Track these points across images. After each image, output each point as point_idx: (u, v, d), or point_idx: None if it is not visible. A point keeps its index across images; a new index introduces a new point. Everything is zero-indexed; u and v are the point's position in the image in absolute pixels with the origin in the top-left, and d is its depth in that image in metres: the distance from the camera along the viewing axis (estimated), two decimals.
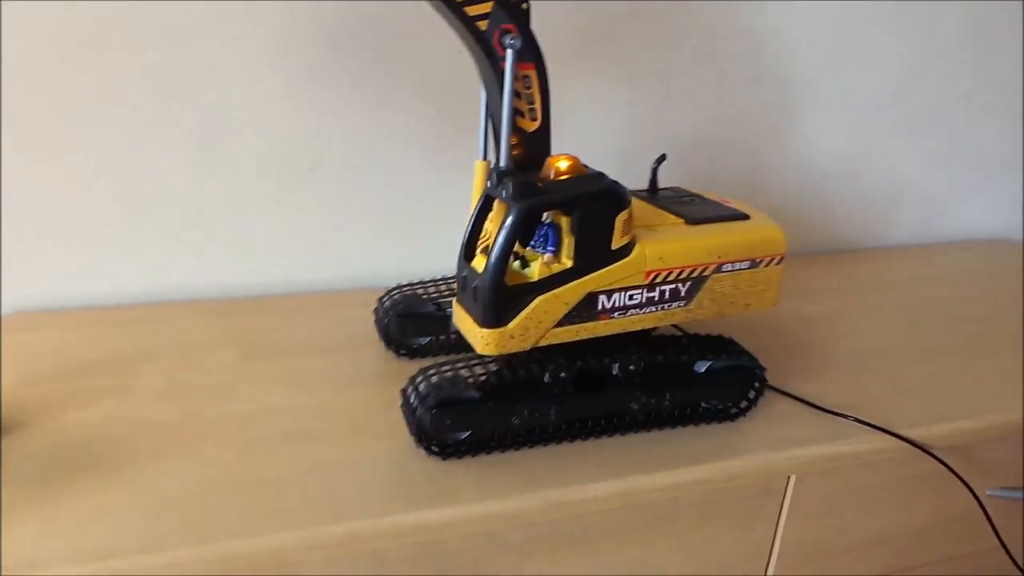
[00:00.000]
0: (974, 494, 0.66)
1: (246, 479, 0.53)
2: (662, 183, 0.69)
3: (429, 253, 0.90)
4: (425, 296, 0.70)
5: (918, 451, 0.63)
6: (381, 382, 0.66)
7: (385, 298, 0.71)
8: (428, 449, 0.56)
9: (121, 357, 0.68)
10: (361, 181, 0.85)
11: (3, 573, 0.44)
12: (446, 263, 0.73)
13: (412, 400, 0.56)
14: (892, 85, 1.04)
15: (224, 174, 0.81)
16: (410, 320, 0.70)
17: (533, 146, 0.59)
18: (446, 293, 0.71)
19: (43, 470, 0.53)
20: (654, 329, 0.62)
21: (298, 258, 0.86)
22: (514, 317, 0.54)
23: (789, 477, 0.64)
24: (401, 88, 0.83)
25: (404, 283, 0.72)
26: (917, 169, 1.10)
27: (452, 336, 0.71)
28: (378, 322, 0.71)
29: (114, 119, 0.76)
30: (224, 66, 0.77)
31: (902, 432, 0.63)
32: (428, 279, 0.73)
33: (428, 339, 0.71)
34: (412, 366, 0.65)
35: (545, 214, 0.55)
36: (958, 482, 0.65)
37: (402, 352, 0.71)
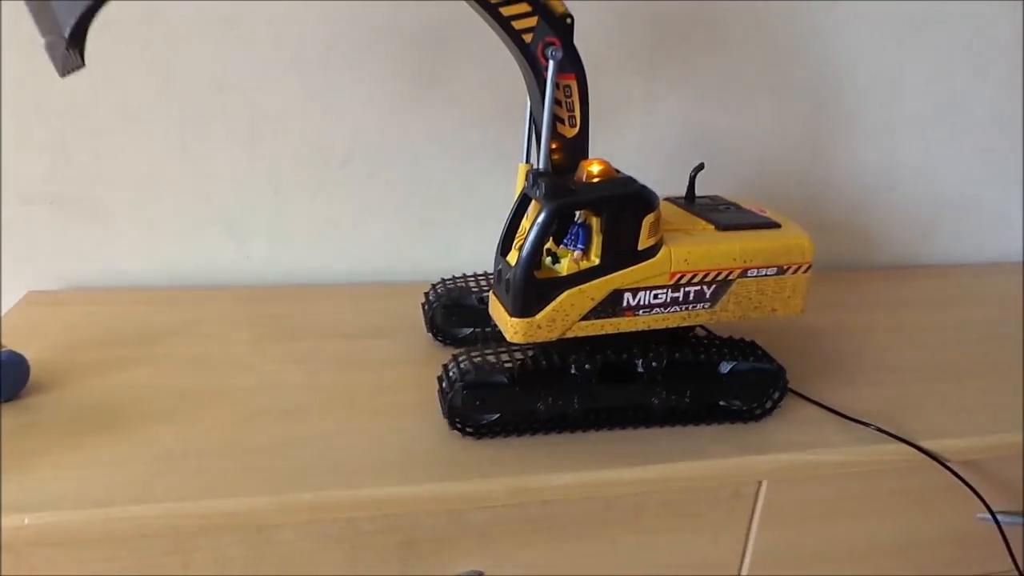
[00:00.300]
0: (990, 510, 0.66)
1: (236, 446, 0.59)
2: (710, 191, 0.72)
3: (463, 248, 0.96)
4: (475, 288, 0.75)
5: (930, 464, 0.64)
6: (417, 366, 0.72)
7: (434, 289, 0.76)
8: (458, 428, 0.61)
9: (150, 333, 0.76)
10: (395, 179, 0.92)
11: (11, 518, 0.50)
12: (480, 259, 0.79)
13: (445, 382, 0.61)
14: (940, 100, 1.04)
15: (265, 166, 0.88)
16: (455, 311, 0.75)
17: (572, 151, 0.63)
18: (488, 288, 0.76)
19: (64, 425, 0.60)
20: (689, 329, 0.66)
21: (329, 250, 0.93)
22: (542, 309, 0.58)
23: (761, 482, 0.65)
24: (441, 93, 0.88)
25: (458, 275, 0.77)
26: (960, 188, 1.09)
27: (493, 328, 0.75)
28: (426, 312, 0.76)
29: (167, 113, 0.83)
30: (266, 64, 0.84)
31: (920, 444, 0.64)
32: (480, 272, 0.77)
33: (470, 330, 0.76)
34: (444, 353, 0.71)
35: (577, 214, 0.59)
36: (949, 502, 0.66)
37: (447, 341, 0.76)
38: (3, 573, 0.53)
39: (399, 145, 0.90)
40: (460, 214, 0.95)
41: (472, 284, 0.76)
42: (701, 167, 0.71)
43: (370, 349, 0.75)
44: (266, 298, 0.86)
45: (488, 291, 0.75)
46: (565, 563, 0.63)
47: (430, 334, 0.76)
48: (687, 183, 0.71)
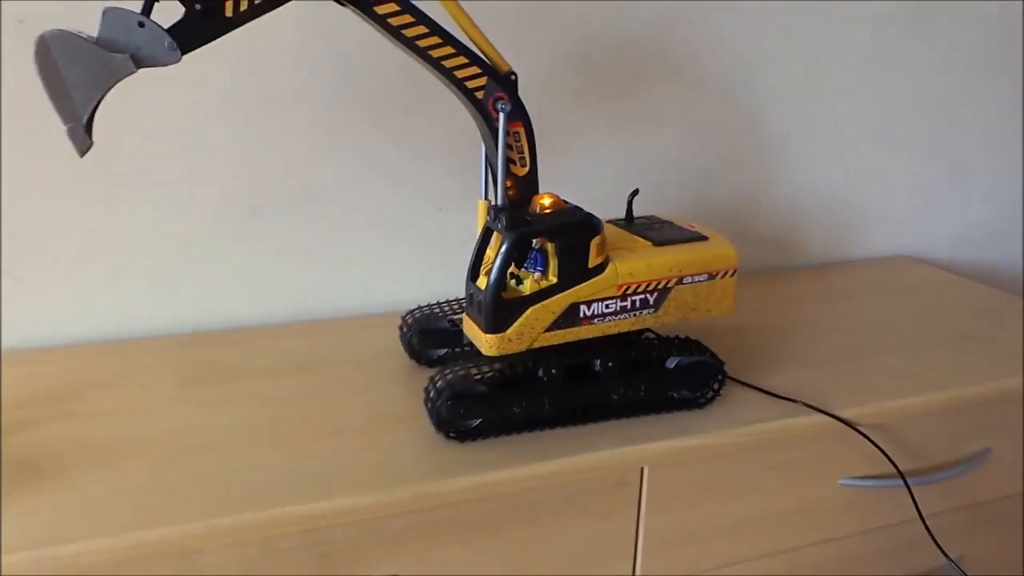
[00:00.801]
0: (902, 477, 0.77)
1: (158, 484, 0.64)
2: (648, 212, 0.83)
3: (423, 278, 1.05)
4: (441, 314, 0.84)
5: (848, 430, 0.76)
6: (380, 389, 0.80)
7: (408, 316, 0.85)
8: (447, 435, 0.69)
9: (76, 388, 0.80)
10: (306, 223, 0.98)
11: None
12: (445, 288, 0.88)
13: (432, 394, 0.69)
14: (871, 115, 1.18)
15: (190, 217, 0.93)
16: (429, 334, 0.83)
17: (524, 187, 0.72)
18: (459, 311, 0.84)
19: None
20: (639, 332, 0.75)
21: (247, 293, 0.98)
22: (511, 324, 0.67)
23: (642, 468, 0.73)
24: (392, 138, 0.97)
25: (424, 304, 0.86)
26: (869, 191, 1.24)
27: (466, 348, 0.84)
28: (403, 336, 0.84)
29: (88, 172, 0.87)
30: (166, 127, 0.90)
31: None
32: (443, 300, 0.86)
33: (445, 350, 0.84)
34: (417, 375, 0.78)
35: (534, 241, 0.68)
36: (811, 471, 0.79)
37: (423, 362, 0.84)
38: None
39: (309, 191, 0.97)
40: (383, 250, 1.02)
41: (437, 310, 0.84)
42: (636, 192, 0.81)
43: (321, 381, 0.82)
44: (193, 344, 0.91)
45: (454, 315, 0.84)
46: (475, 561, 0.70)
47: (410, 358, 0.84)
48: (626, 207, 0.81)
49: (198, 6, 0.56)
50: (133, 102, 0.84)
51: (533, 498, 0.70)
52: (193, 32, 0.57)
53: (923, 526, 0.80)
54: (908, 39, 1.17)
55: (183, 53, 0.57)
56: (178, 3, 0.56)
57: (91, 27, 0.55)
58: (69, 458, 0.67)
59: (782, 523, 0.81)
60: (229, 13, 0.58)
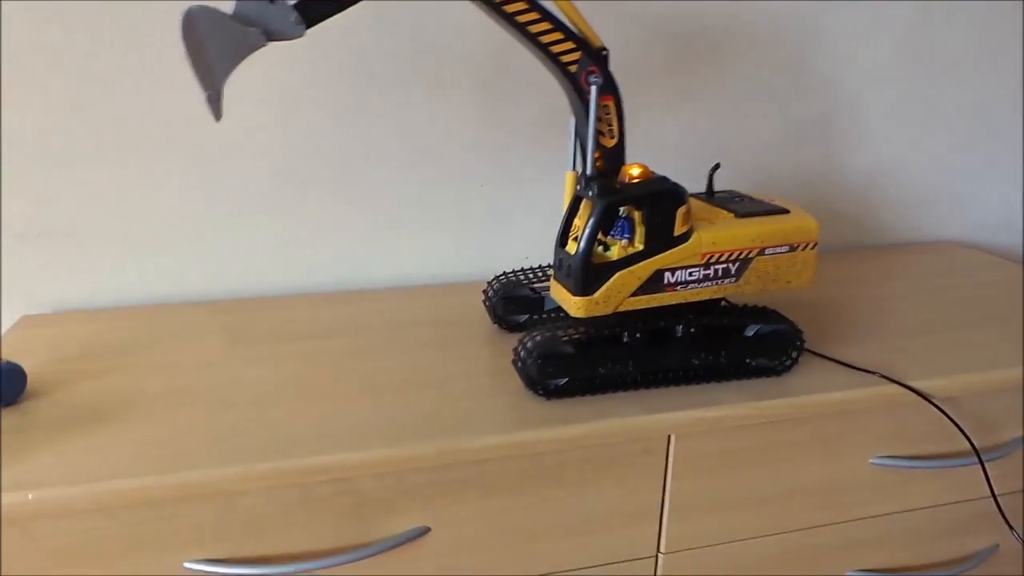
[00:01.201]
0: (973, 447, 0.78)
1: (205, 431, 0.69)
2: (724, 187, 0.85)
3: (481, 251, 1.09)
4: (524, 281, 0.87)
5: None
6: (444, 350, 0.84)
7: (491, 285, 0.89)
8: (536, 391, 0.73)
9: (127, 345, 0.86)
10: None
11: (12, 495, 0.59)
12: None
13: (521, 354, 0.73)
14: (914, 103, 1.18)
15: (230, 188, 0.98)
16: (513, 301, 0.87)
17: (612, 158, 0.75)
18: (539, 279, 0.88)
19: (56, 424, 0.70)
20: (718, 300, 0.78)
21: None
22: (599, 288, 0.70)
23: (669, 436, 0.74)
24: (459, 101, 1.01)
25: (508, 271, 0.90)
26: (937, 178, 1.24)
27: (544, 315, 0.88)
28: (487, 302, 0.89)
29: (133, 142, 0.94)
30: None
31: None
32: (527, 268, 0.90)
33: (526, 316, 0.88)
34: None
35: (621, 209, 0.71)
36: (842, 446, 0.79)
37: (505, 327, 0.88)
38: (7, 545, 0.62)
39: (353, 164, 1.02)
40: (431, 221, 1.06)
41: (522, 278, 0.88)
42: (717, 166, 0.83)
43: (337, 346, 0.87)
44: (234, 309, 0.97)
45: (535, 283, 0.88)
46: (501, 517, 0.73)
47: (493, 323, 0.89)
48: (707, 180, 0.84)
49: None
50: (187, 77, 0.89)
51: (558, 460, 0.72)
52: (316, 7, 0.62)
53: (987, 503, 0.80)
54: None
55: (307, 28, 0.61)
56: None
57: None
58: (120, 407, 0.73)
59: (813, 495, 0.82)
60: None
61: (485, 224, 1.08)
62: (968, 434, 0.79)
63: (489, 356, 0.83)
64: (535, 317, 0.89)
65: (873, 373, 0.78)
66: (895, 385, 0.77)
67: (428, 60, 0.98)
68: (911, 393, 0.77)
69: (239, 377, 0.79)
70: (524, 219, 1.09)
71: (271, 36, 0.60)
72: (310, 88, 0.97)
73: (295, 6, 0.61)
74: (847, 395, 0.76)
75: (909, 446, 0.82)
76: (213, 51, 0.59)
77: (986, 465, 0.79)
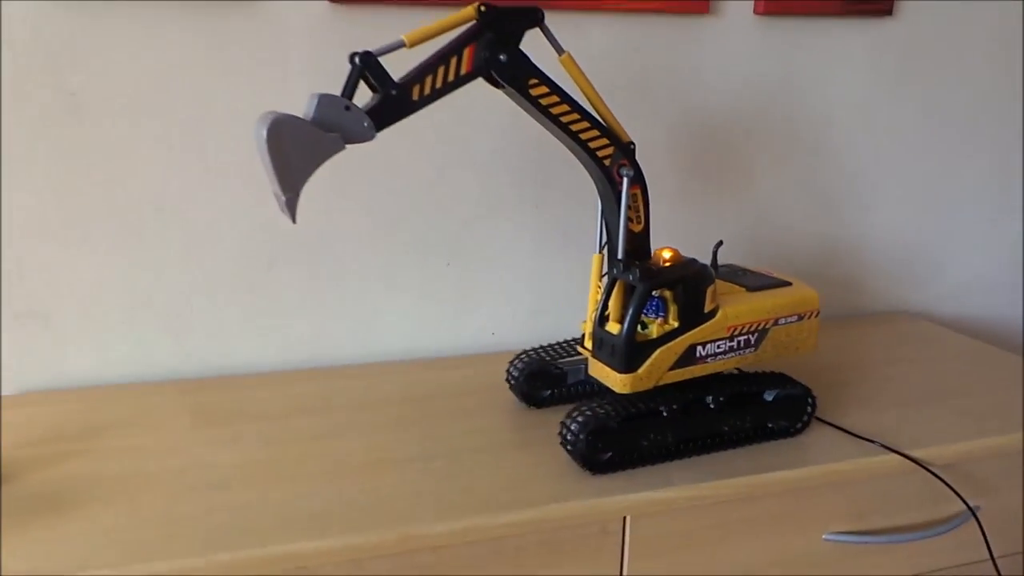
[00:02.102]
0: (970, 509, 0.84)
1: (167, 518, 0.69)
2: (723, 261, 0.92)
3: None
4: (548, 359, 0.91)
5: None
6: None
7: (514, 362, 0.92)
8: (585, 467, 0.76)
9: (93, 427, 0.85)
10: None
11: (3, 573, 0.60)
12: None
13: (569, 432, 0.76)
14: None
15: (201, 271, 0.99)
16: (538, 377, 0.91)
17: (638, 242, 0.81)
18: (560, 356, 0.92)
19: (19, 511, 0.69)
20: (736, 369, 0.84)
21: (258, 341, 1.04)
22: (642, 364, 0.75)
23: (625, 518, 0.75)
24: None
25: (528, 348, 0.93)
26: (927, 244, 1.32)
27: (569, 388, 0.92)
28: (510, 380, 0.91)
29: (101, 221, 0.94)
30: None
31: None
32: (547, 344, 0.93)
33: (550, 391, 0.92)
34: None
35: (655, 290, 0.77)
36: (795, 524, 0.82)
37: (532, 404, 0.91)
38: None
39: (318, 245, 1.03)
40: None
41: (546, 355, 0.92)
42: (720, 244, 0.91)
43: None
44: (203, 388, 0.97)
45: (559, 359, 0.91)
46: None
47: (520, 401, 0.91)
48: (711, 257, 0.91)
49: (394, 92, 0.64)
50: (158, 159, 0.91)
51: (516, 544, 0.73)
52: (386, 113, 0.65)
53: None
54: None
55: (377, 131, 0.65)
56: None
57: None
58: (84, 492, 0.73)
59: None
60: (415, 96, 0.66)
61: (451, 300, 1.10)
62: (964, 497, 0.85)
63: (462, 434, 0.85)
64: (558, 391, 0.92)
65: (873, 442, 0.85)
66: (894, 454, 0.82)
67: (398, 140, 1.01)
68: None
69: (203, 460, 0.79)
70: (487, 297, 1.12)
71: (348, 140, 0.63)
72: None
73: (368, 112, 0.64)
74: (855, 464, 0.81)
75: (860, 521, 0.85)
76: (296, 156, 0.61)
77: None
